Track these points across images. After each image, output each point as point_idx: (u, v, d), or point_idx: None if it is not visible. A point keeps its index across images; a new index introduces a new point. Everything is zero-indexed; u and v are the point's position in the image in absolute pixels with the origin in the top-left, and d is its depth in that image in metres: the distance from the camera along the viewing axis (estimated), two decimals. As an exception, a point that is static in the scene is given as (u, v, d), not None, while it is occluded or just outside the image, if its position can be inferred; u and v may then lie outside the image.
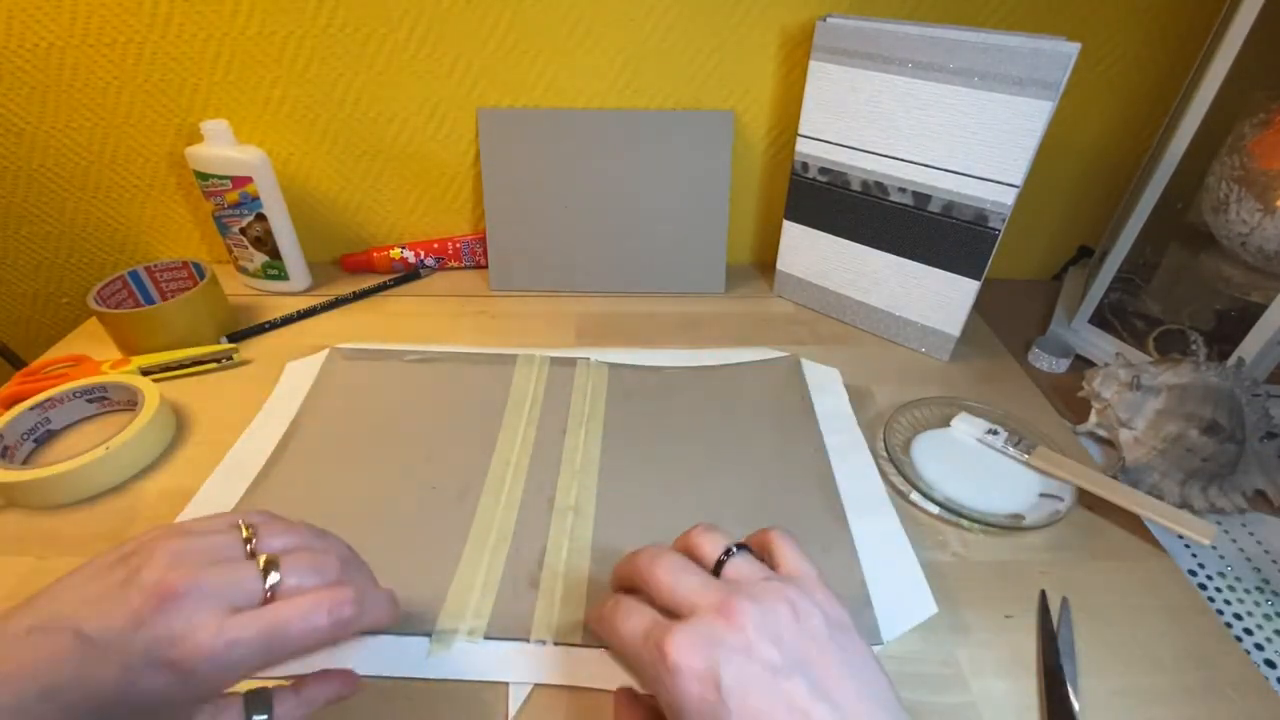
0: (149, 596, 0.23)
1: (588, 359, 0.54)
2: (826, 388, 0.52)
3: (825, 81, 0.54)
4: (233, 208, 0.60)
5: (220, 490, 0.42)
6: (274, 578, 0.25)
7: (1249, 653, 0.37)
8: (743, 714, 0.21)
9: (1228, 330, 0.52)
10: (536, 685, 0.33)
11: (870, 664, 0.24)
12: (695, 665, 0.22)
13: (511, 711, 0.31)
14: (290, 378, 0.52)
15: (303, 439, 0.46)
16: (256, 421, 0.48)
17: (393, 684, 0.33)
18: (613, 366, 0.53)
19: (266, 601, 0.24)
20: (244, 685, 0.25)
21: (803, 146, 0.58)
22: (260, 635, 0.23)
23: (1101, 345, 0.59)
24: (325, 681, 0.28)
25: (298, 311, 0.61)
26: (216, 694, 0.24)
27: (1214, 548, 0.43)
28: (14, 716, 0.21)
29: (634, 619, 0.25)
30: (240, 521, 0.27)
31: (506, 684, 0.33)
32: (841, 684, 0.22)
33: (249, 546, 0.26)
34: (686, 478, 0.44)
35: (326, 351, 0.54)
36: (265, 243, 0.62)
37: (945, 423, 0.49)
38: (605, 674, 0.33)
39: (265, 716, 0.26)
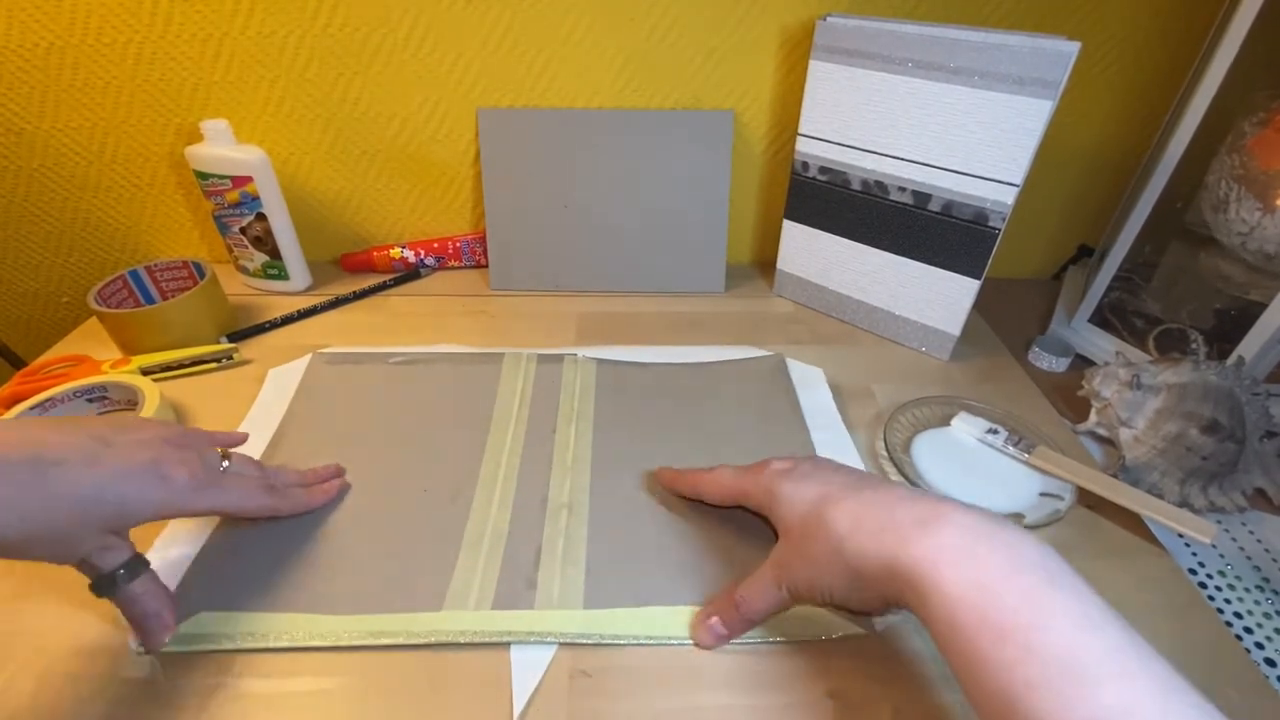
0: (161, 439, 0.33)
1: (575, 355, 0.54)
2: (811, 385, 0.52)
3: (825, 81, 0.54)
4: (233, 207, 0.60)
5: None
6: (227, 463, 0.36)
7: (1249, 651, 0.37)
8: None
9: (1227, 329, 0.52)
10: (539, 685, 0.33)
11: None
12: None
13: (516, 711, 0.31)
14: (273, 384, 0.51)
15: (289, 446, 0.46)
16: (241, 429, 0.47)
17: (393, 687, 0.33)
18: (600, 362, 0.54)
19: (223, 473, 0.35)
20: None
21: (803, 146, 0.58)
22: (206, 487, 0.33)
23: (1101, 344, 0.60)
24: (157, 601, 0.33)
25: (298, 311, 0.61)
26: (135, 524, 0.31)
27: (1214, 546, 0.43)
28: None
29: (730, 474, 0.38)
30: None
31: (509, 685, 0.33)
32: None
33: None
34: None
35: (309, 357, 0.53)
36: (265, 242, 0.62)
37: (945, 422, 0.49)
38: (607, 668, 0.33)
39: (135, 576, 0.32)
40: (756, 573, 0.34)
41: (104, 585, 0.31)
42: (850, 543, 0.29)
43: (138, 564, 0.32)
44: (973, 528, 0.26)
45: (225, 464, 0.36)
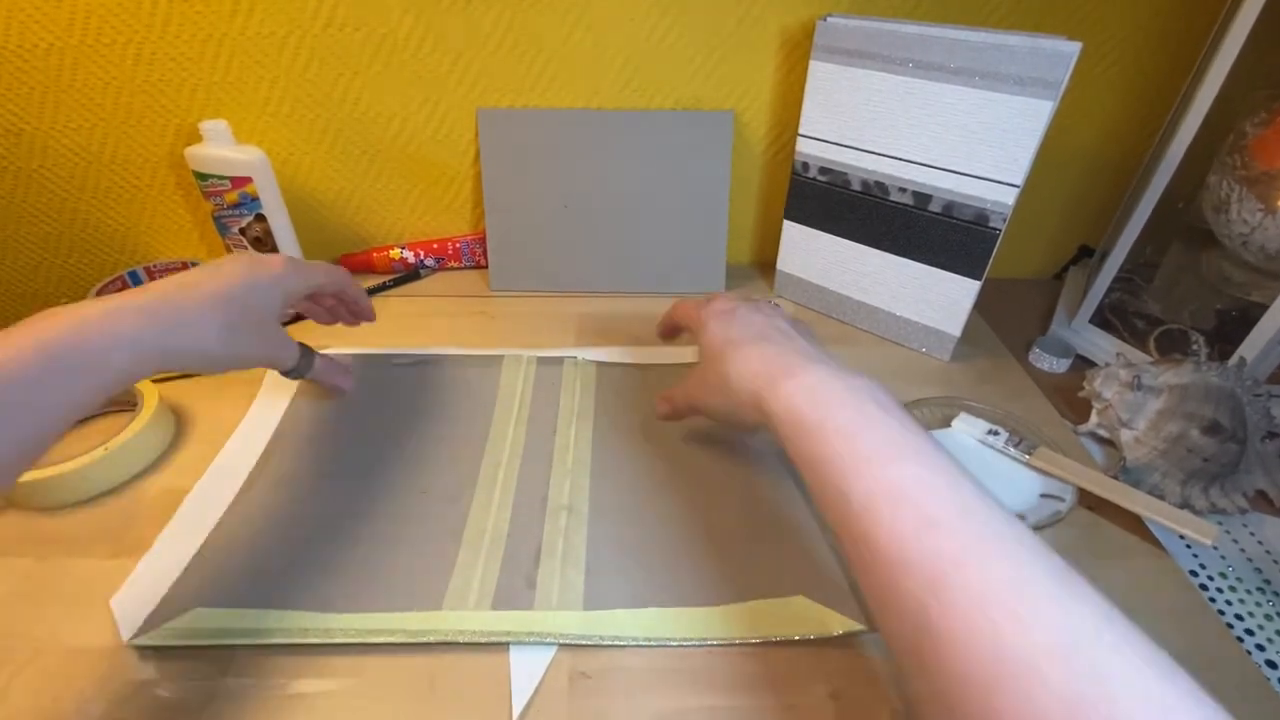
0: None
1: (575, 357, 0.54)
2: None
3: (825, 81, 0.54)
4: (232, 208, 0.59)
5: (209, 495, 0.42)
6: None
7: (1250, 653, 0.37)
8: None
9: (1229, 330, 0.52)
10: (539, 686, 0.33)
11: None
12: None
13: (516, 712, 0.31)
14: (273, 387, 0.51)
15: (287, 446, 0.46)
16: (240, 429, 0.47)
17: (394, 688, 0.33)
18: (600, 365, 0.54)
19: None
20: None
21: (803, 146, 0.58)
22: (297, 266, 0.41)
23: (1102, 345, 0.59)
24: (337, 369, 0.48)
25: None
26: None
27: (1215, 548, 0.43)
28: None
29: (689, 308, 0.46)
30: None
31: (509, 686, 0.33)
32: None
33: None
34: (677, 472, 0.44)
35: None
36: (265, 243, 0.62)
37: (946, 423, 0.49)
38: (607, 669, 0.33)
39: (310, 367, 0.45)
40: (685, 380, 0.43)
41: (292, 374, 0.44)
42: (735, 380, 0.37)
43: (310, 355, 0.45)
44: (824, 375, 0.33)
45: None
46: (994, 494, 0.27)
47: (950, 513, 0.25)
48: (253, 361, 0.39)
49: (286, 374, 0.44)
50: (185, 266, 0.59)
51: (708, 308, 0.43)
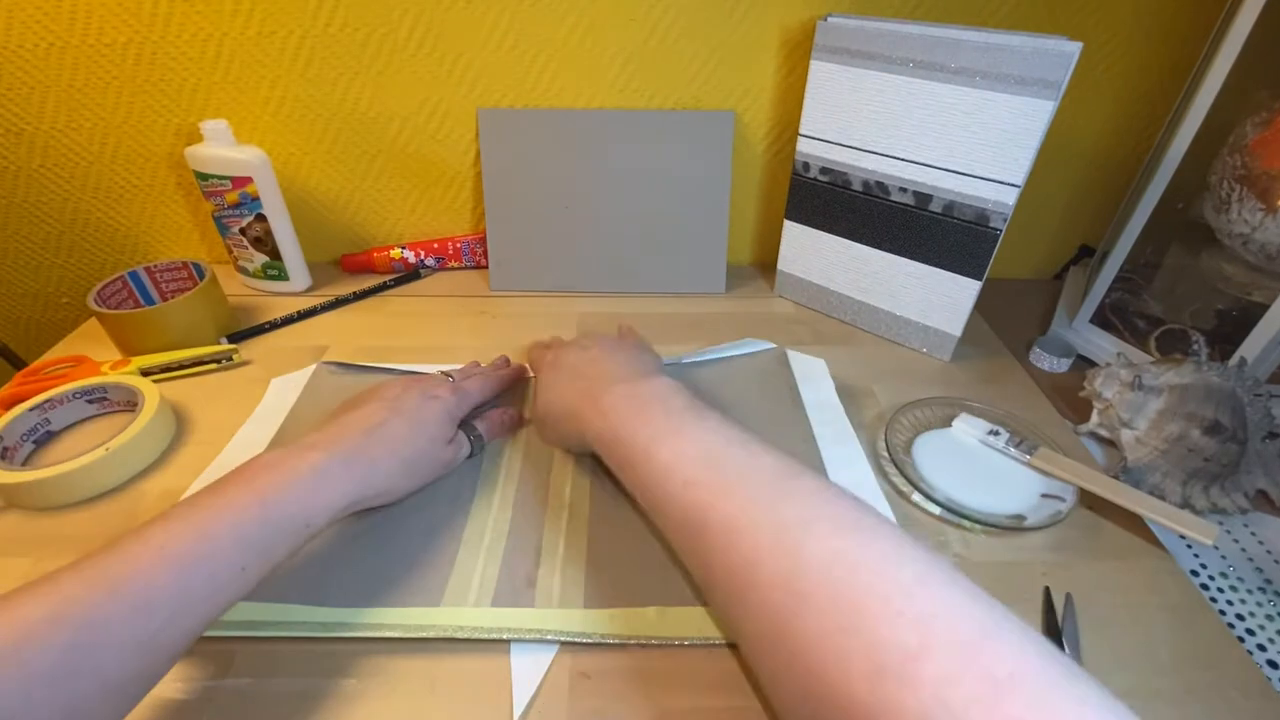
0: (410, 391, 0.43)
1: None
2: (813, 378, 0.52)
3: (826, 81, 0.54)
4: (233, 208, 0.59)
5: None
6: (451, 378, 0.47)
7: (1251, 653, 0.37)
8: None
9: (1229, 330, 0.52)
10: (539, 687, 0.33)
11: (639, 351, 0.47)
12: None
13: (516, 713, 0.31)
14: (276, 392, 0.51)
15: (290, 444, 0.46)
16: (242, 432, 0.47)
17: (394, 688, 0.33)
18: None
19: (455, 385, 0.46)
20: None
21: (803, 146, 0.58)
22: (460, 394, 0.45)
23: (1103, 345, 0.59)
24: (503, 417, 0.48)
25: (297, 312, 0.61)
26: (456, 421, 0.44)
27: (1216, 548, 0.43)
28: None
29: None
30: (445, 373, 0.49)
31: (510, 687, 0.33)
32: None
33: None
34: None
35: (314, 366, 0.53)
36: (265, 243, 0.62)
37: (947, 423, 0.49)
38: (608, 670, 0.33)
39: (482, 448, 0.46)
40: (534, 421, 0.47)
41: (472, 455, 0.45)
42: (562, 422, 0.42)
43: (479, 440, 0.45)
44: (618, 400, 0.38)
45: (450, 378, 0.47)
46: (765, 447, 0.32)
47: (703, 471, 0.31)
48: (433, 478, 0.42)
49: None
50: (186, 266, 0.59)
51: (546, 355, 0.48)
